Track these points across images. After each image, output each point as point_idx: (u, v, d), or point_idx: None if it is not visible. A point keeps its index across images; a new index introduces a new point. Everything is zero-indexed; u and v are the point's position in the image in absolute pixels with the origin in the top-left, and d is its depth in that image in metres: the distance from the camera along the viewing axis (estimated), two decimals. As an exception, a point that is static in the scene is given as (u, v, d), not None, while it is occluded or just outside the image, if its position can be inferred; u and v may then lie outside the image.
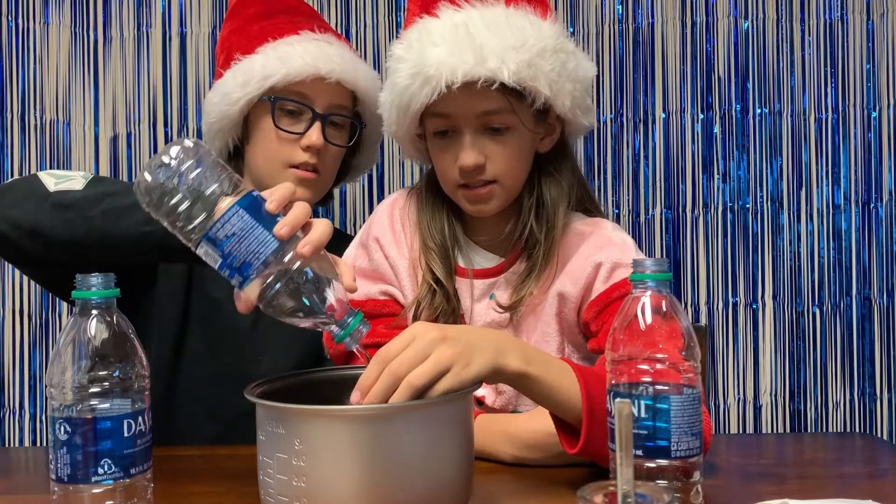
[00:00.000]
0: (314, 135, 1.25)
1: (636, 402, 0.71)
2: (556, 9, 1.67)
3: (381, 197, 1.68)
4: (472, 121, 1.02)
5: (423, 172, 1.22)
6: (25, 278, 1.67)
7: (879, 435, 1.64)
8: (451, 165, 1.05)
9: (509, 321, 1.09)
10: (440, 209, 1.13)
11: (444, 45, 0.99)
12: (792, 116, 1.66)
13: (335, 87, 1.27)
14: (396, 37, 1.69)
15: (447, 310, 1.08)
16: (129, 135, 1.69)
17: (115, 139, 1.68)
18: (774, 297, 1.65)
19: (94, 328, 0.72)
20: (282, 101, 1.25)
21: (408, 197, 1.18)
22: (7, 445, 1.64)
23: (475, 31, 0.99)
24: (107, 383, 0.71)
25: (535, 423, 0.92)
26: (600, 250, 1.07)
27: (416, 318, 1.09)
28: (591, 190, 1.22)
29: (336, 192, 1.68)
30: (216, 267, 0.71)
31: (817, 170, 1.66)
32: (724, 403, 1.65)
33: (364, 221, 1.68)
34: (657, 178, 1.67)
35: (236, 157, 1.35)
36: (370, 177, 1.68)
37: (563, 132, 1.12)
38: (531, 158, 1.09)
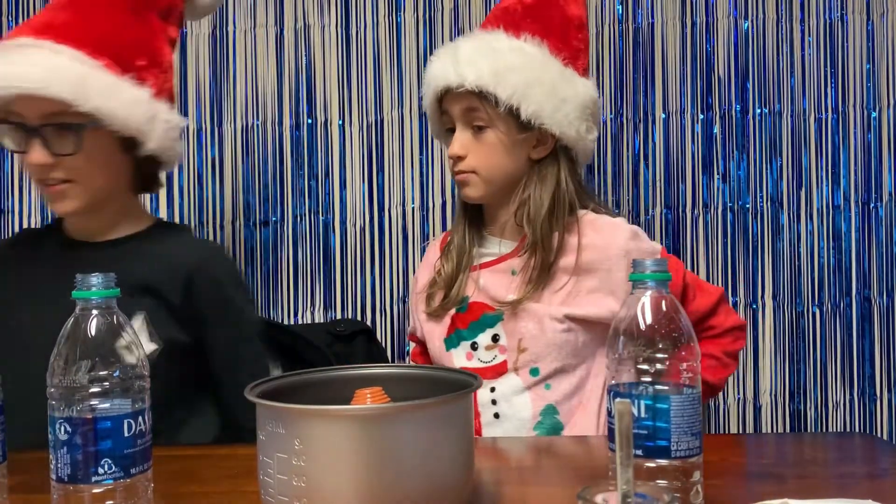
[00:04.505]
0: (33, 154, 1.15)
1: (636, 401, 0.71)
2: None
3: (381, 202, 1.68)
4: (460, 117, 1.25)
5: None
6: (25, 278, 1.66)
7: (879, 435, 1.64)
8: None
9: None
10: (462, 211, 1.33)
11: (440, 59, 1.26)
12: (792, 117, 1.66)
13: (36, 96, 1.13)
14: (396, 37, 1.70)
15: (450, 295, 1.28)
16: (129, 135, 1.68)
17: (115, 139, 1.68)
18: (774, 298, 1.65)
19: (95, 328, 0.72)
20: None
21: None
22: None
23: (460, 47, 1.24)
24: (107, 383, 0.71)
25: None
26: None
27: (429, 299, 1.30)
28: (593, 192, 1.36)
29: (336, 199, 1.68)
30: None
31: (817, 170, 1.66)
32: (724, 403, 1.65)
33: (364, 230, 1.68)
34: (657, 178, 1.67)
35: None
36: (370, 183, 1.68)
37: (558, 144, 1.26)
38: (515, 158, 1.25)
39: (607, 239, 1.22)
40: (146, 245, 1.27)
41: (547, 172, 1.26)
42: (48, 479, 0.71)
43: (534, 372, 1.21)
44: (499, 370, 1.22)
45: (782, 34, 1.66)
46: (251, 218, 1.69)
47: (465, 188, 1.27)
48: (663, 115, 1.67)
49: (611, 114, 1.67)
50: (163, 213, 1.69)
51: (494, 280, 1.26)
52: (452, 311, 1.28)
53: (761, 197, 1.66)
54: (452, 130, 1.27)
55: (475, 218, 1.33)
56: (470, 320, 1.26)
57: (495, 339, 1.23)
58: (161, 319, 1.20)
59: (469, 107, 1.23)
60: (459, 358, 1.26)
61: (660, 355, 0.72)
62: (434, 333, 1.30)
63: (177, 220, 1.69)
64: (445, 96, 1.25)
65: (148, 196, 1.68)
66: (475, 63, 1.21)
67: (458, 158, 1.25)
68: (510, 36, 1.25)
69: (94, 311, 0.73)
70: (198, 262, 1.25)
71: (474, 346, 1.25)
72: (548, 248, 1.21)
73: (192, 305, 1.22)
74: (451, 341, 1.27)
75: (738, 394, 1.65)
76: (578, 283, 1.21)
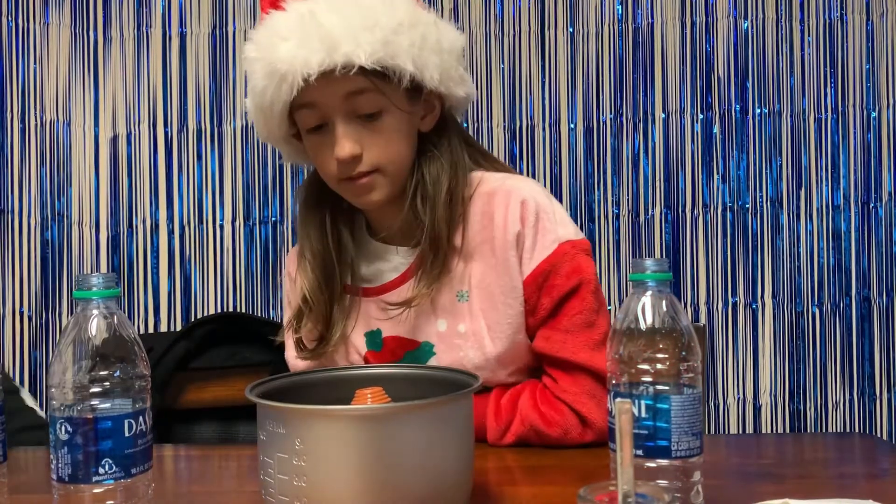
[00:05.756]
0: None
1: (636, 401, 0.71)
2: (555, 8, 1.67)
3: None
4: (339, 108, 0.95)
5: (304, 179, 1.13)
6: (25, 279, 1.67)
7: (879, 435, 1.64)
8: (329, 160, 0.98)
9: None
10: (319, 216, 1.05)
11: (293, 37, 0.93)
12: (791, 117, 1.66)
13: None
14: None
15: (331, 317, 1.03)
16: (128, 135, 1.69)
17: (114, 139, 1.68)
18: (774, 297, 1.65)
19: (95, 328, 0.72)
20: None
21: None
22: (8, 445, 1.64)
23: (322, 17, 0.93)
24: (107, 383, 0.71)
25: None
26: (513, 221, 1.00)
27: (297, 342, 1.05)
28: (480, 147, 1.14)
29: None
30: None
31: (817, 170, 1.66)
32: (724, 403, 1.65)
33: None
34: (657, 178, 1.67)
35: None
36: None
37: (444, 108, 1.05)
38: (413, 140, 1.02)
39: (499, 214, 1.00)
40: None
41: (439, 144, 1.02)
42: (48, 479, 0.71)
43: (487, 389, 1.02)
44: None
45: (782, 34, 1.66)
46: (251, 218, 1.69)
47: (366, 195, 0.99)
48: (663, 115, 1.67)
49: (611, 114, 1.67)
50: (162, 213, 1.69)
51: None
52: (364, 350, 1.04)
53: (761, 197, 1.66)
54: (317, 128, 0.98)
55: (348, 221, 1.07)
56: (391, 362, 1.04)
57: None
58: None
59: (355, 90, 0.94)
60: None
61: (660, 355, 0.72)
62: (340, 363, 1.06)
63: (176, 220, 1.69)
64: (308, 88, 0.93)
65: (147, 197, 1.68)
66: (357, 33, 0.92)
67: (352, 159, 0.96)
68: None
69: (95, 311, 0.72)
70: None
71: None
72: (447, 235, 0.99)
73: None
74: None
75: (738, 394, 1.65)
76: (467, 269, 1.01)
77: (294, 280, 1.08)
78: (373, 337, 1.05)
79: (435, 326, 1.03)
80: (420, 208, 0.99)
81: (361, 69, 0.92)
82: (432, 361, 1.02)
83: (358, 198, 1.01)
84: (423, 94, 1.00)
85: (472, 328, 1.01)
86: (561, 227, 1.01)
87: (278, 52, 0.93)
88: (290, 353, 1.09)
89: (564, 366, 0.98)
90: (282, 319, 1.11)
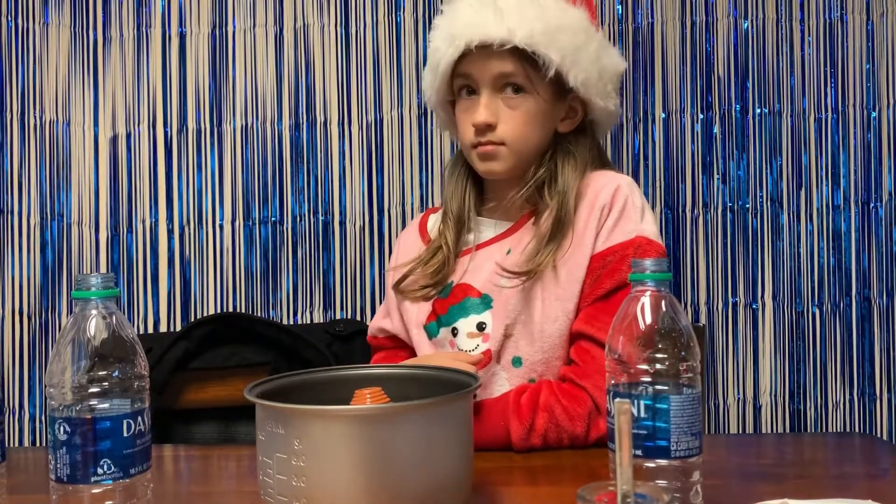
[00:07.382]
0: None
1: (636, 401, 0.71)
2: (555, 9, 1.67)
3: (381, 202, 1.68)
4: (488, 82, 1.09)
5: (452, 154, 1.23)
6: (25, 278, 1.67)
7: (879, 435, 1.64)
8: (468, 125, 1.12)
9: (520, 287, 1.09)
10: (462, 180, 1.20)
11: (472, 8, 1.09)
12: (792, 116, 1.66)
13: None
14: (396, 37, 1.70)
15: (443, 271, 1.15)
16: (128, 135, 1.69)
17: (114, 139, 1.68)
18: (774, 298, 1.65)
19: (94, 328, 0.72)
20: None
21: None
22: (7, 445, 1.64)
23: (502, 1, 1.07)
24: (106, 383, 0.71)
25: None
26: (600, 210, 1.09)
27: (405, 277, 1.16)
28: (610, 162, 1.24)
29: (336, 199, 1.68)
30: None
31: (817, 170, 1.66)
32: (724, 403, 1.65)
33: (364, 230, 1.68)
34: (657, 178, 1.67)
35: None
36: (370, 183, 1.68)
37: (586, 118, 1.16)
38: (545, 132, 1.13)
39: (592, 190, 1.10)
40: None
41: (576, 149, 1.13)
42: (47, 480, 0.71)
43: (516, 362, 1.09)
44: (483, 362, 1.09)
45: (782, 34, 1.66)
46: (251, 218, 1.69)
47: (489, 162, 1.11)
48: (663, 115, 1.67)
49: (610, 114, 1.67)
50: (162, 213, 1.69)
51: (485, 260, 1.13)
52: (434, 298, 1.15)
53: (761, 197, 1.66)
54: (472, 92, 1.12)
55: (475, 192, 1.20)
56: (450, 304, 1.13)
57: (481, 327, 1.10)
58: None
59: (505, 72, 1.08)
60: (442, 347, 1.13)
61: (659, 355, 0.72)
62: (411, 315, 1.17)
63: (176, 220, 1.69)
64: (471, 54, 1.08)
65: (147, 197, 1.68)
66: (524, 17, 1.05)
67: (486, 127, 1.09)
68: None
69: (94, 312, 0.72)
70: None
71: (454, 332, 1.12)
72: (570, 219, 1.08)
73: None
74: (432, 329, 1.15)
75: (738, 394, 1.65)
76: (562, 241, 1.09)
77: (417, 235, 1.23)
78: (445, 287, 1.15)
79: (499, 281, 1.10)
80: (547, 195, 1.10)
81: (515, 53, 1.06)
82: (486, 312, 1.10)
83: (482, 164, 1.13)
84: (568, 97, 1.12)
85: (534, 293, 1.07)
86: (645, 224, 1.08)
87: (457, 18, 1.09)
88: (379, 314, 1.24)
89: (595, 350, 1.02)
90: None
